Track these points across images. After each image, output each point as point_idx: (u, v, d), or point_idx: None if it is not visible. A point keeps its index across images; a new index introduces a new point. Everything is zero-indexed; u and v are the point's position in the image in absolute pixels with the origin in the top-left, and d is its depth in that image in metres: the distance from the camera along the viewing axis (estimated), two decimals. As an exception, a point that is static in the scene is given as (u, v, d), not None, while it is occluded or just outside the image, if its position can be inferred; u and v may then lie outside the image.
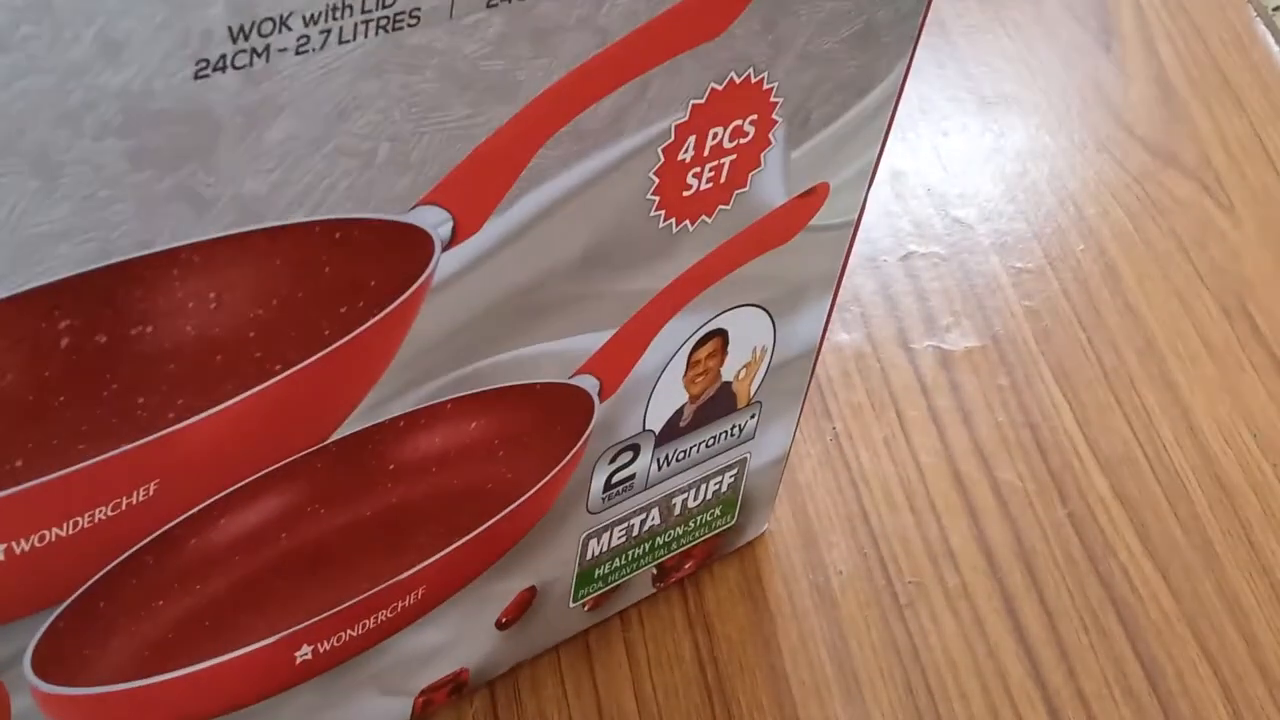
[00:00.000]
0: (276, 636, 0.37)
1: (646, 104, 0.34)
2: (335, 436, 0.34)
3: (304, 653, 0.38)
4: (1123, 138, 0.66)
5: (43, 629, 0.32)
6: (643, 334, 0.39)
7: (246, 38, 0.27)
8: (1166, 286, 0.60)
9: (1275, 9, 0.78)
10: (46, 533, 0.30)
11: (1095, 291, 0.60)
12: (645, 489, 0.45)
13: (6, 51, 0.24)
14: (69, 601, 0.32)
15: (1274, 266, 0.61)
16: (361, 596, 0.38)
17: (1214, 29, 0.71)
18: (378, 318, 0.33)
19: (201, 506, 0.33)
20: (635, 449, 0.43)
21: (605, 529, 0.45)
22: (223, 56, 0.27)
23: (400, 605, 0.40)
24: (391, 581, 0.39)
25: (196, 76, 0.27)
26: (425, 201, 0.32)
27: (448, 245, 0.33)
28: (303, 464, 0.34)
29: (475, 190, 0.32)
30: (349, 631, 0.39)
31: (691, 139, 0.35)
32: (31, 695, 0.34)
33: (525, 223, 0.34)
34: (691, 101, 0.34)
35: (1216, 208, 0.63)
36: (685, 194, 0.36)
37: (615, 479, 0.43)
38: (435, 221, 0.32)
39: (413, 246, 0.32)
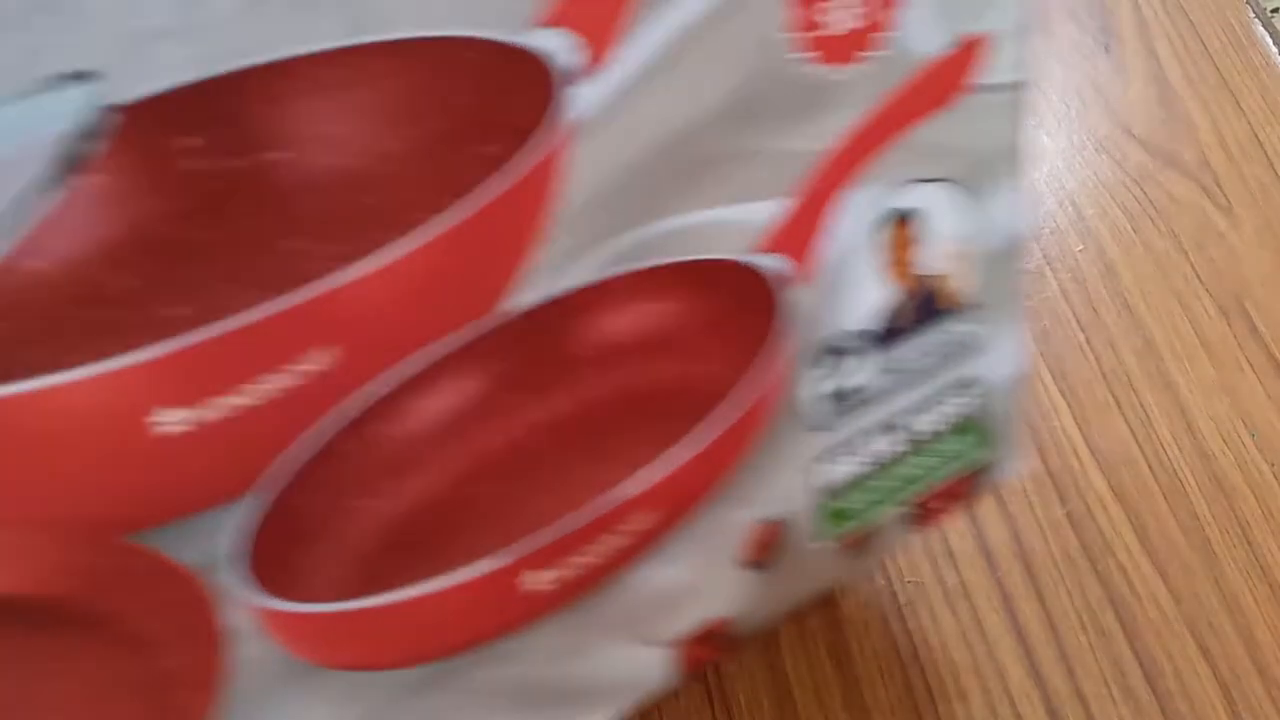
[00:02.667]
0: (498, 558, 0.36)
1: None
2: (511, 311, 0.33)
3: (532, 581, 0.37)
4: (1121, 138, 0.66)
5: (242, 522, 0.31)
6: (818, 205, 0.38)
7: None
8: (1165, 286, 0.60)
9: (1274, 11, 0.78)
10: (233, 398, 0.29)
11: (1094, 291, 0.60)
12: (869, 403, 0.42)
13: None
14: (262, 496, 0.31)
15: (1272, 267, 0.61)
16: (580, 514, 0.37)
17: (1213, 30, 0.71)
18: (523, 155, 0.31)
19: (388, 391, 0.32)
20: (848, 353, 0.41)
21: (837, 452, 0.42)
22: None
23: (625, 529, 0.38)
24: (608, 497, 0.37)
25: None
26: (545, 24, 0.30)
27: (581, 77, 0.31)
28: (483, 342, 0.33)
29: (595, 11, 0.31)
30: (577, 558, 0.38)
31: None
32: (246, 607, 0.32)
33: (659, 57, 0.32)
34: None
35: (1215, 208, 0.63)
36: (824, 30, 0.35)
37: (832, 389, 0.41)
38: (559, 46, 0.31)
39: (540, 74, 0.31)
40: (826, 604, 0.51)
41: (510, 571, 0.36)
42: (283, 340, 0.29)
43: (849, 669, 0.49)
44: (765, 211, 0.36)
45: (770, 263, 0.37)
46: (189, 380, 0.28)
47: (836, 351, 0.40)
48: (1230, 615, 0.50)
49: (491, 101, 0.30)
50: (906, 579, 0.51)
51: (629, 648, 0.41)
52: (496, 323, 0.33)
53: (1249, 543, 0.52)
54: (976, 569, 0.51)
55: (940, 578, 0.51)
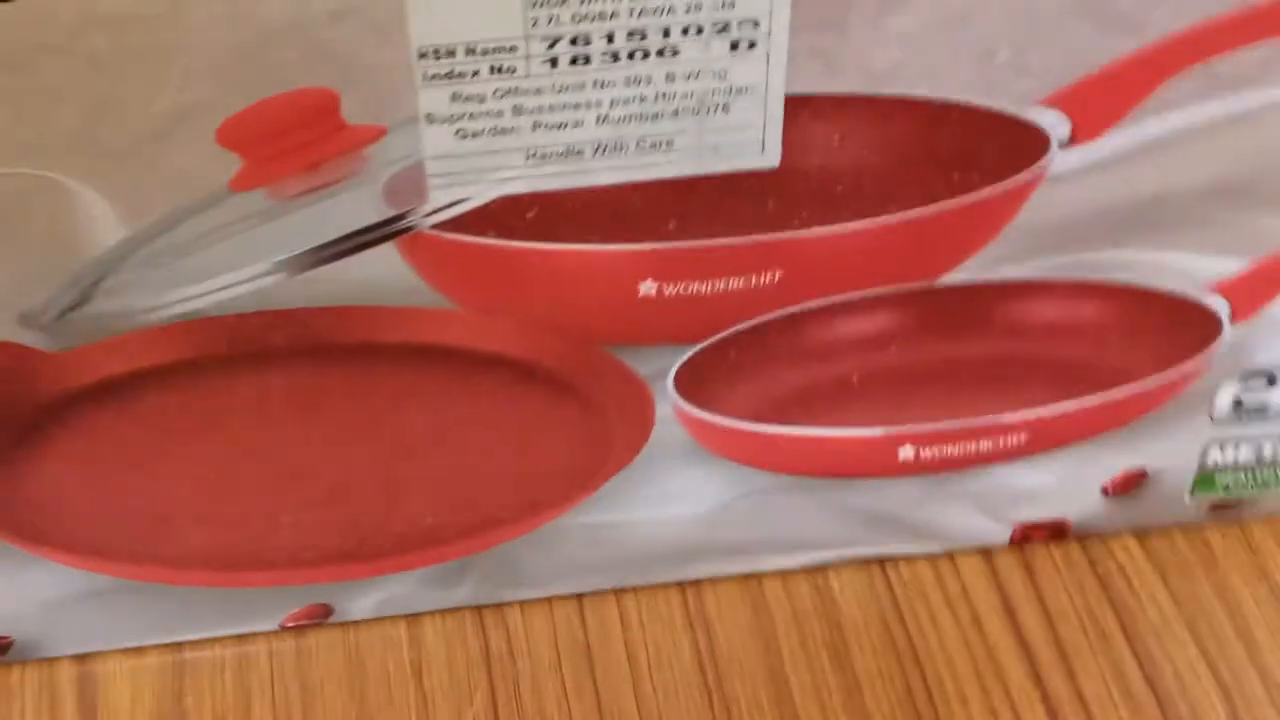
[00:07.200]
0: (881, 430, 0.45)
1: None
2: (946, 281, 0.41)
3: (906, 452, 0.46)
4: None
5: (685, 357, 0.42)
6: (1275, 270, 0.42)
7: None
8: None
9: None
10: (689, 285, 0.40)
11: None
12: (1275, 417, 0.46)
13: None
14: (705, 344, 0.42)
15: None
16: (962, 422, 0.45)
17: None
18: (988, 190, 0.39)
19: (821, 303, 0.42)
20: (1272, 378, 0.45)
21: (1230, 444, 0.47)
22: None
23: (1000, 442, 0.46)
24: (992, 419, 0.45)
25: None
26: (1045, 103, 0.37)
27: (1064, 145, 0.38)
28: (914, 296, 0.42)
29: (1095, 104, 0.37)
30: (949, 448, 0.46)
31: None
32: (671, 407, 0.44)
33: (1147, 144, 0.37)
34: None
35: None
36: None
37: (1246, 401, 0.46)
38: (1052, 122, 0.37)
39: (1028, 139, 0.38)
40: (826, 604, 0.50)
41: (890, 441, 0.46)
42: (739, 261, 0.40)
43: (849, 670, 0.49)
44: (1218, 265, 0.41)
45: (1211, 302, 0.42)
46: (667, 269, 0.39)
47: (1260, 375, 0.45)
48: (1230, 617, 0.50)
49: (975, 147, 0.38)
50: (906, 579, 0.51)
51: (974, 515, 0.48)
52: (926, 286, 0.42)
53: (1249, 545, 0.52)
54: (976, 570, 0.51)
55: (940, 579, 0.51)
